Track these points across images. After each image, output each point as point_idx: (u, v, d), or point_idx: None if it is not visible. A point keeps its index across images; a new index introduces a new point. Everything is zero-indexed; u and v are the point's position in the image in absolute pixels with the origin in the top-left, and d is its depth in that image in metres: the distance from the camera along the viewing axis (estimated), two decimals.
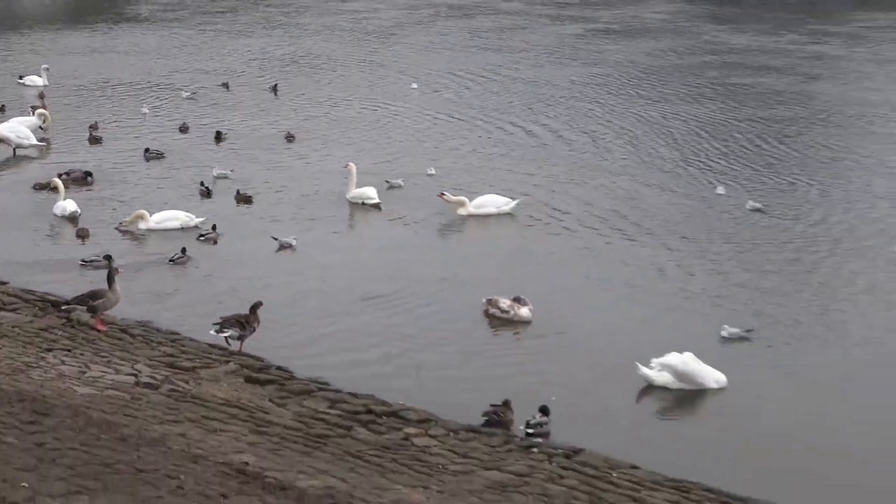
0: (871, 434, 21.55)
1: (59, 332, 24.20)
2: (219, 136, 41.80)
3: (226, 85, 50.48)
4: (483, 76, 51.99)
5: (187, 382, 21.67)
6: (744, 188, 35.82)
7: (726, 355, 24.05)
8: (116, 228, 32.06)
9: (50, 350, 22.85)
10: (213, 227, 31.46)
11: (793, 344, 25.36)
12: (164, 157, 39.12)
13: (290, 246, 30.73)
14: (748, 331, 25.31)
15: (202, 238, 30.74)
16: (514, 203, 33.82)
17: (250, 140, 41.66)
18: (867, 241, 31.59)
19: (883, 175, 37.78)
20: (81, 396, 19.77)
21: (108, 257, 28.79)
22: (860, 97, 48.32)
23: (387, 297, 27.58)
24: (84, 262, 28.98)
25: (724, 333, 25.19)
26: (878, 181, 37.16)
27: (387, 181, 36.16)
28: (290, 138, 41.90)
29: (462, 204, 33.55)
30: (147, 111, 45.87)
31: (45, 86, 50.28)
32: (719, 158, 39.47)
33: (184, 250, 29.84)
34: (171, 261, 29.58)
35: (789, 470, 20.06)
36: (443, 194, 34.03)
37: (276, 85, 49.96)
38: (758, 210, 33.74)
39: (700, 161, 39.12)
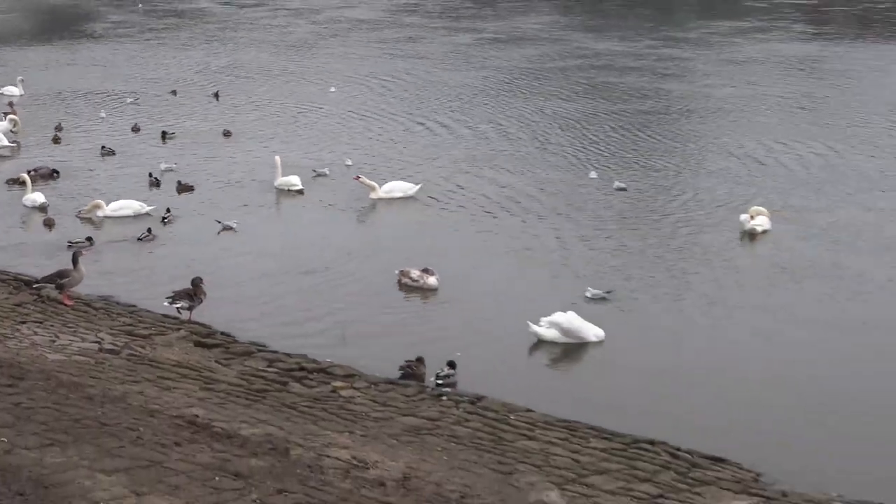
0: (722, 372, 21.82)
1: (32, 307, 23.89)
2: (164, 135, 41.29)
3: (174, 92, 49.82)
4: (390, 80, 51.76)
5: (144, 347, 21.45)
6: (611, 171, 35.85)
7: (593, 313, 23.95)
8: (77, 216, 31.62)
9: (24, 323, 22.55)
10: (166, 216, 31.12)
11: (655, 301, 25.46)
12: (115, 154, 38.56)
13: (231, 228, 30.47)
14: (608, 292, 25.36)
15: (142, 238, 30.12)
16: (416, 188, 33.64)
17: (193, 138, 41.20)
18: (715, 212, 31.69)
19: (725, 157, 37.94)
20: (52, 362, 19.53)
21: (90, 239, 28.90)
22: (706, 92, 48.55)
23: (315, 270, 27.36)
24: (70, 243, 28.54)
25: (587, 294, 25.25)
26: (721, 162, 37.34)
27: (314, 170, 35.91)
28: (226, 134, 41.56)
29: (373, 189, 33.35)
30: (104, 115, 45.17)
31: (20, 95, 49.38)
32: (591, 147, 39.48)
33: (149, 230, 29.73)
34: (138, 239, 29.46)
35: (659, 407, 20.13)
36: (358, 177, 33.94)
37: (217, 92, 49.35)
38: (622, 189, 33.71)
39: (575, 149, 39.10)
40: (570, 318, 23.13)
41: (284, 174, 34.49)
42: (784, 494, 16.89)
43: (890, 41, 62.31)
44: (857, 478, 17.67)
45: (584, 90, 49.20)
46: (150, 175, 35.23)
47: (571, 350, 22.95)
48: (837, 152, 37.94)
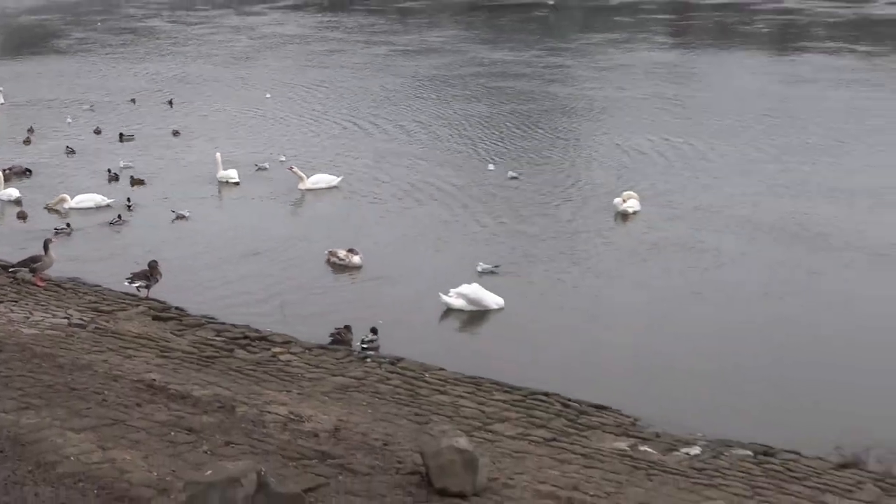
0: (605, 333, 21.89)
1: (8, 289, 23.48)
2: (122, 137, 40.63)
3: (133, 100, 48.92)
4: (317, 86, 51.33)
5: (108, 322, 21.15)
6: (507, 163, 35.75)
7: (494, 284, 24.00)
8: (45, 209, 31.05)
9: (1, 302, 22.10)
10: (129, 204, 30.69)
11: (546, 274, 25.52)
12: (75, 154, 37.88)
13: (184, 217, 30.07)
14: (496, 266, 25.33)
15: (114, 223, 29.66)
16: (339, 179, 33.34)
17: (149, 139, 40.58)
18: (594, 197, 31.72)
19: (603, 149, 38.04)
20: (27, 336, 19.16)
21: (68, 224, 28.74)
22: (585, 94, 48.64)
23: (256, 253, 27.09)
24: (57, 230, 28.19)
25: (478, 269, 25.18)
26: (599, 154, 37.43)
27: (255, 164, 35.53)
28: (175, 134, 41.06)
29: (303, 180, 33.02)
30: (70, 120, 44.34)
31: (2, 104, 48.33)
32: (490, 142, 39.39)
33: (119, 216, 29.49)
34: (110, 223, 29.20)
35: (552, 364, 20.19)
36: (292, 167, 33.56)
37: (171, 99, 48.54)
38: (515, 178, 33.66)
39: (476, 145, 39.01)
40: (475, 289, 23.14)
41: (224, 169, 34.09)
42: (657, 435, 16.98)
43: (738, 49, 62.81)
44: (718, 419, 17.82)
45: (482, 94, 49.11)
46: (110, 171, 34.66)
47: (476, 316, 22.92)
48: (698, 145, 38.18)
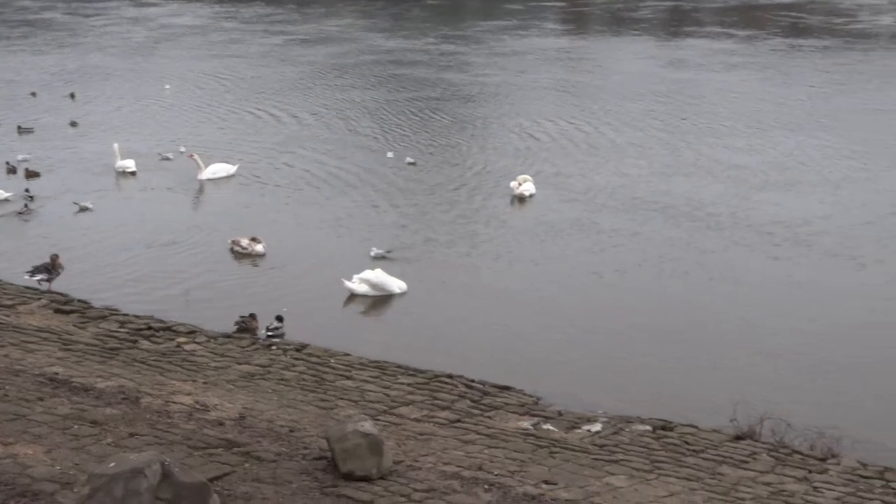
0: (506, 313, 21.92)
1: None
2: (20, 129, 39.52)
3: (34, 93, 47.53)
4: (216, 77, 50.52)
5: (8, 316, 20.48)
6: (406, 150, 35.50)
7: (397, 269, 23.88)
8: None
9: None
10: (31, 195, 29.95)
11: (446, 257, 25.57)
12: None
13: (88, 208, 29.35)
14: (389, 251, 25.17)
15: (21, 213, 28.94)
16: (235, 168, 32.75)
17: (48, 131, 39.54)
18: (492, 181, 31.72)
19: (499, 134, 38.03)
20: None
21: None
22: (481, 81, 48.58)
23: (159, 243, 26.55)
24: None
25: (371, 254, 25.00)
26: (496, 138, 37.43)
27: (159, 154, 34.83)
28: (73, 125, 40.09)
29: (200, 169, 32.40)
30: None
31: None
32: (389, 130, 39.11)
33: (26, 205, 29.04)
34: (18, 213, 28.67)
35: (456, 346, 20.22)
36: (192, 155, 32.82)
37: (73, 92, 47.25)
38: (412, 164, 33.47)
39: (374, 132, 38.71)
40: (378, 274, 22.98)
41: (122, 159, 33.37)
42: (560, 414, 17.02)
43: (627, 35, 63.33)
44: (618, 396, 17.92)
45: (380, 82, 48.83)
46: (8, 164, 33.71)
47: (380, 301, 22.79)
48: (591, 128, 38.37)
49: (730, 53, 53.63)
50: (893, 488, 14.54)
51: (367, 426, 13.28)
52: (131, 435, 13.90)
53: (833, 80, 46.55)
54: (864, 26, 60.65)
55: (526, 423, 16.43)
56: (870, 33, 58.52)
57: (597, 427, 16.41)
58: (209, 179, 32.22)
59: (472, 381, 18.21)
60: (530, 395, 17.78)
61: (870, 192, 30.12)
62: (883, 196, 29.60)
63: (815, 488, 14.42)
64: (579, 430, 16.25)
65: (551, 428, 16.28)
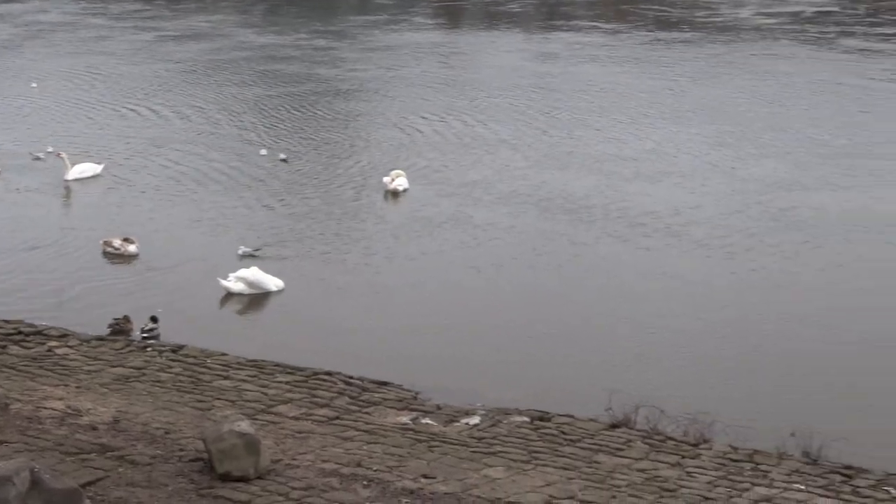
0: (383, 308, 22.00)
1: None
2: None
3: None
4: (86, 75, 49.32)
5: None
6: (279, 147, 35.14)
7: (274, 267, 23.72)
8: None
9: None
10: None
11: (323, 254, 25.51)
12: None
13: None
14: (257, 249, 24.98)
15: None
16: (101, 167, 31.89)
17: None
18: (366, 177, 31.54)
19: (374, 129, 37.97)
20: None
21: None
22: (354, 76, 48.39)
23: (28, 245, 25.96)
24: None
25: (239, 252, 24.78)
26: (371, 133, 37.37)
27: (31, 154, 33.82)
28: None
29: (67, 169, 31.58)
30: None
31: None
32: (262, 127, 38.69)
33: None
34: None
35: (334, 343, 20.21)
36: (60, 154, 31.92)
37: None
38: (284, 161, 33.17)
39: (247, 130, 38.21)
40: (254, 272, 22.82)
41: None
42: (439, 407, 17.11)
43: (496, 29, 63.64)
44: (497, 388, 18.08)
45: (253, 78, 48.32)
46: None
47: (257, 300, 22.65)
48: (466, 122, 38.48)
49: (598, 47, 54.29)
50: (762, 470, 14.94)
51: (244, 426, 13.21)
52: (0, 443, 13.60)
53: (698, 72, 47.47)
54: (724, 19, 61.94)
55: (405, 418, 16.49)
56: (731, 26, 59.81)
57: (475, 420, 16.55)
58: (76, 179, 31.43)
59: (351, 377, 18.20)
60: (409, 390, 17.84)
61: (737, 180, 30.80)
62: (749, 185, 30.30)
63: (687, 473, 14.75)
64: (458, 424, 16.37)
65: (430, 422, 16.38)
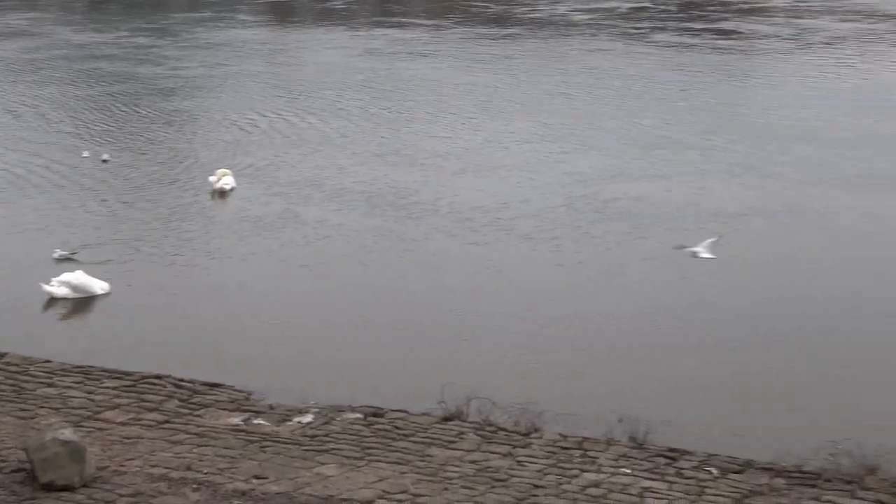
0: (216, 308, 21.77)
1: None
2: None
3: None
4: None
5: None
6: (102, 148, 34.37)
7: (100, 270, 23.24)
8: None
9: None
10: None
11: (152, 256, 25.12)
12: None
13: None
14: (74, 252, 24.48)
15: None
16: None
17: None
18: (193, 177, 31.09)
19: (203, 127, 37.52)
20: None
21: None
22: (180, 73, 47.54)
23: None
24: None
25: (55, 255, 24.26)
26: (200, 132, 36.95)
27: None
28: None
29: None
30: None
31: None
32: (84, 128, 37.74)
33: None
34: None
35: (163, 346, 19.88)
36: None
37: None
38: (105, 161, 32.42)
39: (69, 131, 37.32)
40: (78, 276, 22.31)
41: None
42: (271, 407, 16.98)
43: (320, 26, 63.42)
44: (331, 386, 18.04)
45: (73, 78, 47.11)
46: None
47: (82, 304, 22.10)
48: (292, 120, 38.26)
49: (421, 43, 54.62)
50: (591, 457, 15.27)
51: (67, 433, 12.95)
52: None
53: (522, 67, 48.18)
54: (542, 15, 63.10)
55: (236, 419, 16.35)
56: (549, 21, 60.94)
57: (308, 418, 16.50)
58: None
59: (182, 380, 17.91)
60: (242, 391, 17.66)
61: (562, 174, 31.36)
62: (575, 178, 30.88)
63: (518, 462, 14.99)
64: (291, 423, 16.30)
65: (262, 422, 16.27)
